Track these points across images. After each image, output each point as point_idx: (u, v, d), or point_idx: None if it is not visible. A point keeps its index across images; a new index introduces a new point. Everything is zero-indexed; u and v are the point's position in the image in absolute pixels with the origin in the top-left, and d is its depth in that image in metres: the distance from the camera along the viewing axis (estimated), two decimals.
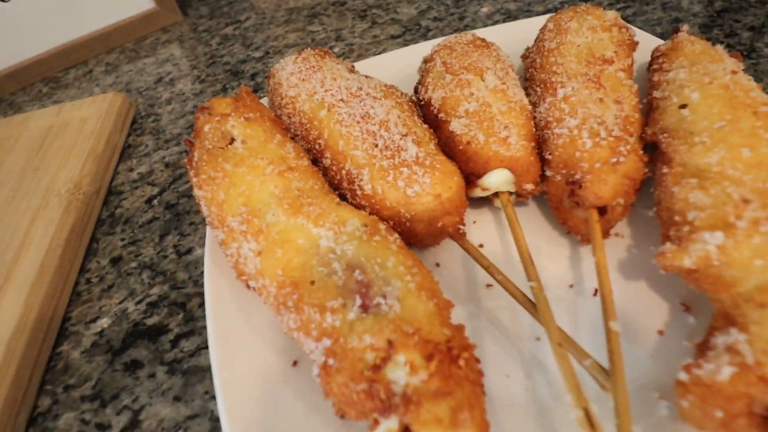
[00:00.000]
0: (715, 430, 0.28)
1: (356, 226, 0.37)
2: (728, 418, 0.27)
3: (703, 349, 0.30)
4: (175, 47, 0.91)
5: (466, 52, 0.51)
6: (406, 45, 0.79)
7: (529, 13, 0.81)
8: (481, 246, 0.45)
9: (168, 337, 0.45)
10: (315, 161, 0.47)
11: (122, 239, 0.55)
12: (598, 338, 0.33)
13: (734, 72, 0.42)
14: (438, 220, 0.39)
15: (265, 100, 0.57)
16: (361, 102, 0.45)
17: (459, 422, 0.27)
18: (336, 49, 0.81)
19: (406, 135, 0.42)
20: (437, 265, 0.44)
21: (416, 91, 0.53)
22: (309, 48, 0.55)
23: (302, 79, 0.50)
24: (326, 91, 0.47)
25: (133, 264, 0.52)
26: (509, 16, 0.81)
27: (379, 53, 0.78)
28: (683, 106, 0.41)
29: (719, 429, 0.28)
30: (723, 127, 0.37)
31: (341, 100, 0.46)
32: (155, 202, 0.59)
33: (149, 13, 0.95)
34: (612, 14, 0.53)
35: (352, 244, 0.35)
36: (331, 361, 0.30)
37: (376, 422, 0.28)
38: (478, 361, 0.31)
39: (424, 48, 0.61)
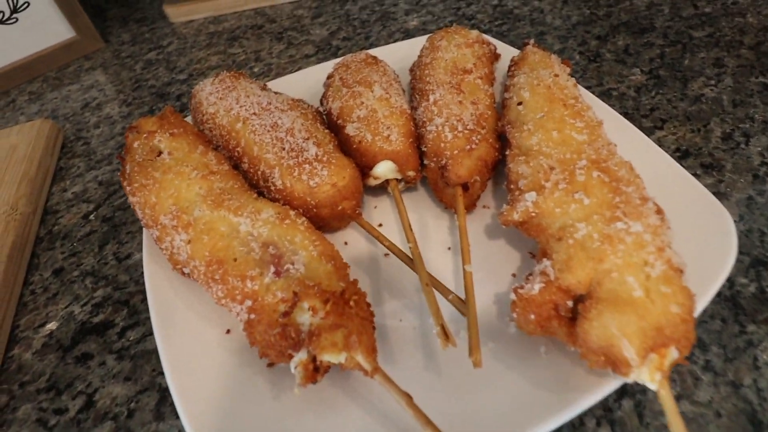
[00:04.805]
0: (535, 331, 0.39)
1: (270, 214, 0.46)
2: (541, 320, 0.39)
3: (527, 276, 0.42)
4: (99, 73, 0.95)
5: (359, 69, 0.61)
6: (319, 62, 0.89)
7: (424, 32, 0.94)
8: (380, 225, 0.55)
9: (114, 331, 0.51)
10: (236, 166, 0.55)
11: (62, 252, 0.60)
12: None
13: (556, 75, 0.55)
14: (338, 204, 0.49)
15: (189, 119, 0.64)
16: (270, 114, 0.54)
17: (350, 345, 0.36)
18: (255, 69, 0.89)
19: (308, 139, 0.51)
20: (345, 243, 0.53)
21: (321, 102, 0.63)
22: (225, 71, 0.63)
23: (220, 97, 0.58)
24: (241, 107, 0.56)
25: (76, 273, 0.57)
26: (407, 35, 0.93)
27: (295, 71, 0.87)
28: (520, 103, 0.54)
29: (538, 329, 0.39)
30: (542, 117, 0.50)
31: (254, 113, 0.55)
32: (92, 217, 0.64)
33: (70, 41, 0.98)
34: (474, 33, 0.66)
35: (266, 227, 0.44)
36: (252, 317, 0.39)
37: (290, 356, 0.37)
38: (368, 304, 0.41)
39: (329, 66, 0.71)
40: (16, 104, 0.89)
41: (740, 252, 0.53)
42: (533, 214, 0.43)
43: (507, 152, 0.51)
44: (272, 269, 0.41)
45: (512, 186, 0.48)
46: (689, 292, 0.36)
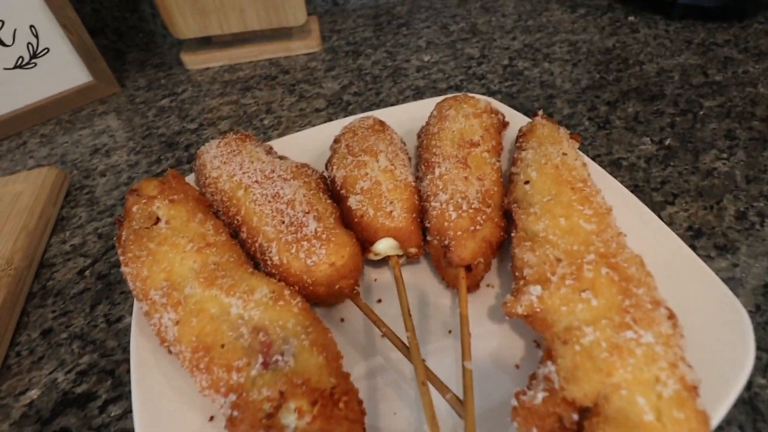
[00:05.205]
0: None
1: (264, 293, 0.44)
2: None
3: (531, 379, 0.40)
4: (111, 118, 0.96)
5: (365, 136, 0.61)
6: (329, 117, 0.89)
7: (434, 90, 0.94)
8: (379, 301, 0.53)
9: (96, 404, 0.49)
10: (235, 233, 0.54)
11: (53, 311, 0.59)
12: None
13: (564, 154, 0.54)
14: (335, 283, 0.47)
15: (192, 176, 0.64)
16: (273, 183, 0.53)
17: None
18: (265, 122, 0.90)
19: (308, 212, 0.50)
20: (342, 320, 0.51)
21: (326, 167, 0.62)
22: (232, 132, 0.63)
23: (224, 162, 0.58)
24: (244, 173, 0.55)
25: (64, 335, 0.56)
26: (418, 92, 0.94)
27: (305, 125, 0.88)
28: (527, 182, 0.52)
29: None
30: (549, 201, 0.48)
31: (256, 181, 0.54)
32: (87, 273, 0.63)
33: (87, 86, 1.01)
34: (483, 103, 0.66)
35: (258, 309, 0.42)
36: (235, 413, 0.36)
37: None
38: (359, 402, 0.38)
39: (339, 125, 0.71)
40: (27, 147, 0.90)
41: (758, 348, 0.50)
42: (538, 310, 0.41)
43: (512, 233, 0.50)
44: (260, 359, 0.39)
45: (517, 273, 0.46)
46: (704, 416, 0.33)
